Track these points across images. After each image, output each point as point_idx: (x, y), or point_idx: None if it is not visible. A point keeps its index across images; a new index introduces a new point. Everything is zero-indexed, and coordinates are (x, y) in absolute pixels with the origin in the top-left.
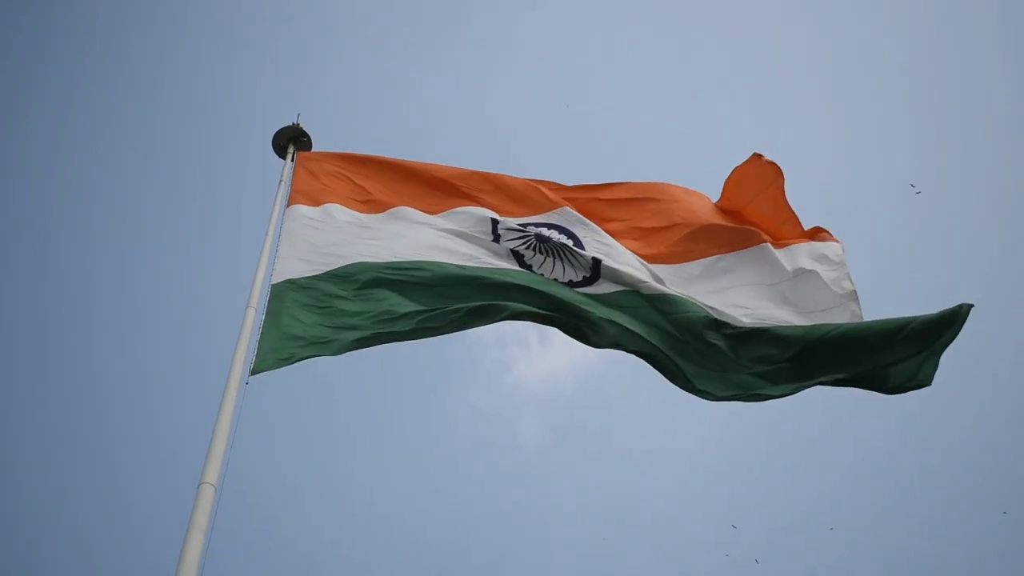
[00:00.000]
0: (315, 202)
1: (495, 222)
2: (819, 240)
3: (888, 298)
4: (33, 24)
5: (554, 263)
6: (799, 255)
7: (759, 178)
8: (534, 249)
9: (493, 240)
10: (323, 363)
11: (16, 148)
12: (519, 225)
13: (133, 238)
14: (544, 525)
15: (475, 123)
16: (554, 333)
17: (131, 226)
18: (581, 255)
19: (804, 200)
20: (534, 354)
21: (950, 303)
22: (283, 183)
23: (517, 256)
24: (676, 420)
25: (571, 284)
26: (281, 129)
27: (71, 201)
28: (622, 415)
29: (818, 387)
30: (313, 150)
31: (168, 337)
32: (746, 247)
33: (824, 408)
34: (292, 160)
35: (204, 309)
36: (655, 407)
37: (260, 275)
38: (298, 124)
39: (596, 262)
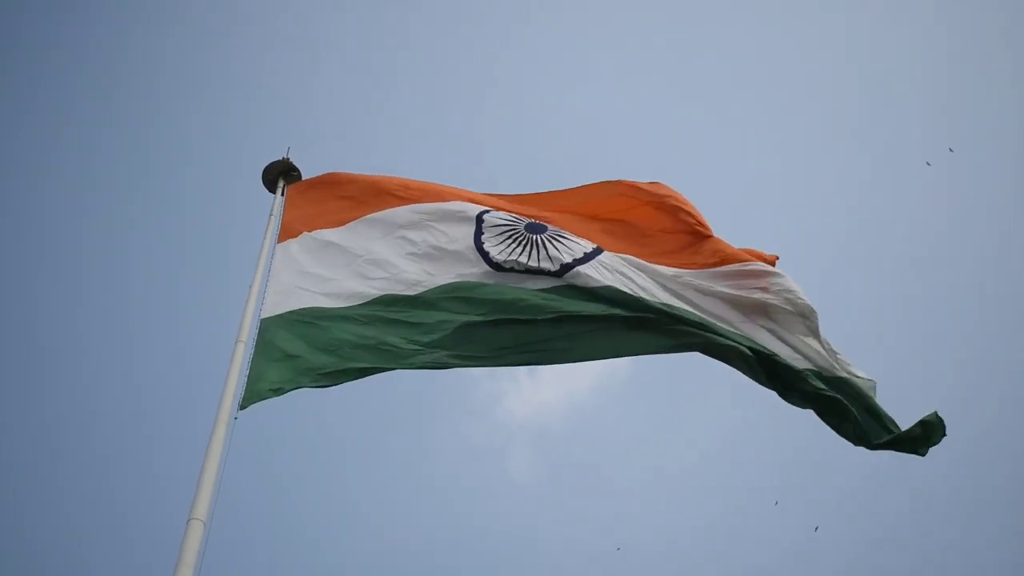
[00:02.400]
0: (303, 232)
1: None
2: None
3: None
4: (21, 57)
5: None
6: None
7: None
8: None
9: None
10: (311, 396)
11: (6, 175)
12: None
13: (124, 272)
14: (536, 556)
15: (466, 153)
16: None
17: (122, 260)
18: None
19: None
20: (524, 387)
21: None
22: (273, 217)
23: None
24: (666, 448)
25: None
26: (271, 163)
27: (60, 235)
28: (613, 446)
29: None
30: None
31: (158, 371)
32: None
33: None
34: (282, 194)
35: (194, 344)
36: (645, 437)
37: (250, 309)
38: (288, 158)
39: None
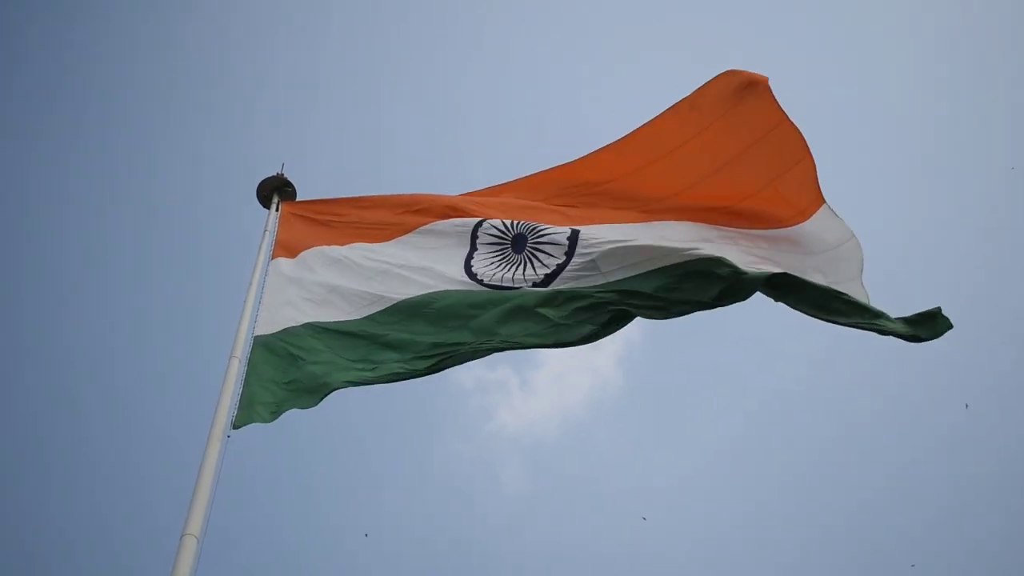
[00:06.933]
0: (297, 251)
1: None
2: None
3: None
4: (27, 80)
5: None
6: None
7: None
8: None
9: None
10: (303, 413)
11: (7, 189)
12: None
13: (116, 285)
14: (527, 571)
15: (467, 166)
16: (535, 378)
17: (114, 274)
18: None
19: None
20: (516, 400)
21: None
22: (267, 233)
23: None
24: (661, 460)
25: None
26: (266, 179)
27: (51, 245)
28: (606, 460)
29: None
30: (298, 199)
31: (151, 386)
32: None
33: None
34: (276, 210)
35: (188, 359)
36: (639, 450)
37: (244, 326)
38: (282, 174)
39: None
